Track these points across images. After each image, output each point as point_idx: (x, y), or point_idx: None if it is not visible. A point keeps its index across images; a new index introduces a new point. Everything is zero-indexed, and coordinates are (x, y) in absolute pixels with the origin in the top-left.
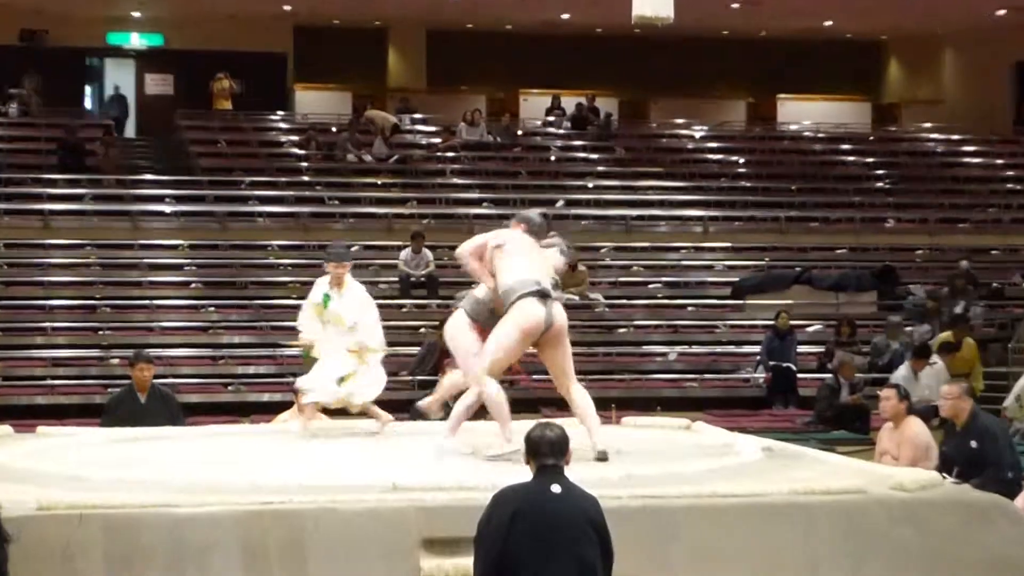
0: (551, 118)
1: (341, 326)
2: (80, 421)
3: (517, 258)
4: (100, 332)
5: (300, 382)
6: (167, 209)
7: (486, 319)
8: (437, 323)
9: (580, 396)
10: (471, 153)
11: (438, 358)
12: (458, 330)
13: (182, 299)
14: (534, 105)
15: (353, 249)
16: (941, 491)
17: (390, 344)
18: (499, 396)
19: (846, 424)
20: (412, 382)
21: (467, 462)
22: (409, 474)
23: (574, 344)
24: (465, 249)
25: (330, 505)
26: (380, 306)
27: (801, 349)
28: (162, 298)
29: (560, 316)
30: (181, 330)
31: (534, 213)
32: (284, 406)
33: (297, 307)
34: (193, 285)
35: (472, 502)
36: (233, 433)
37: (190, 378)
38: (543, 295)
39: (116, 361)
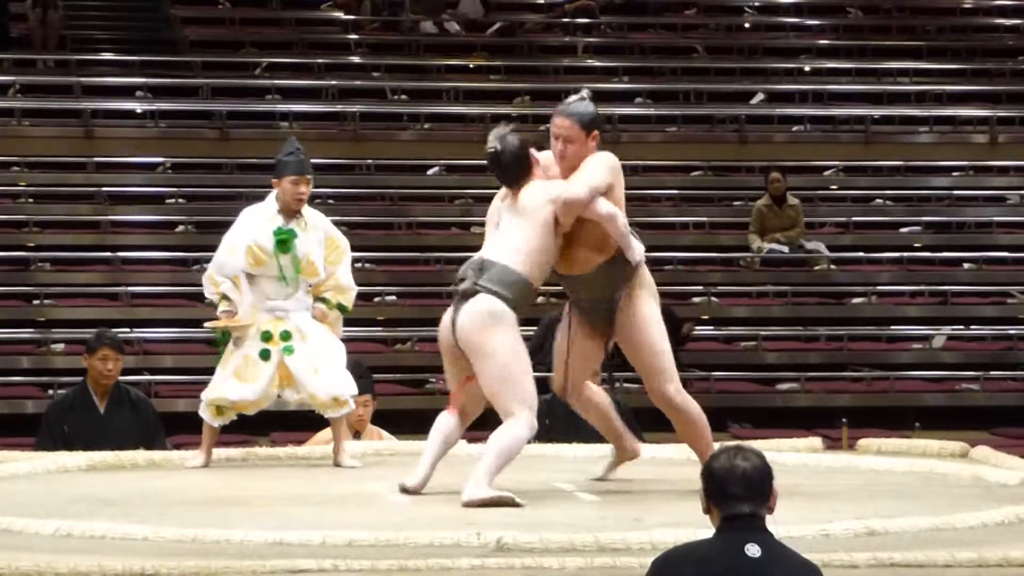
0: None
1: (310, 278)
2: (4, 441)
3: None
4: (36, 302)
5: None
6: (138, 107)
7: None
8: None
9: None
10: (616, 18)
11: None
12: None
13: (163, 250)
14: None
15: (432, 172)
16: None
17: None
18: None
19: None
20: None
21: (598, 503)
22: (514, 524)
23: (775, 322)
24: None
25: None
26: None
27: None
28: (131, 248)
29: (464, 323)
30: (161, 299)
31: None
32: (322, 419)
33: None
34: (180, 228)
35: (622, 571)
36: (242, 461)
37: (175, 374)
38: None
39: (60, 348)
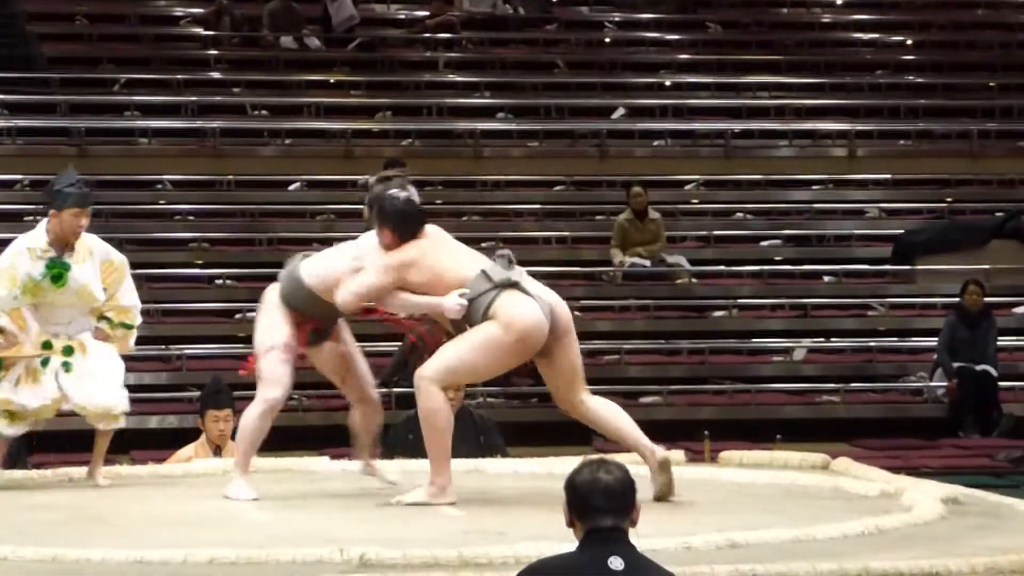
0: None
1: (89, 304)
2: None
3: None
4: None
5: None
6: None
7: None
8: None
9: (601, 405)
10: (478, 33)
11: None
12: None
13: None
14: None
15: (294, 187)
16: None
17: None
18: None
19: None
20: (388, 396)
21: (462, 517)
22: (377, 540)
23: (637, 336)
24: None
25: None
26: None
27: (1004, 342)
28: None
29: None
30: None
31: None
32: (186, 435)
33: (206, 278)
34: None
35: None
36: (103, 479)
37: None
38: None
39: None
